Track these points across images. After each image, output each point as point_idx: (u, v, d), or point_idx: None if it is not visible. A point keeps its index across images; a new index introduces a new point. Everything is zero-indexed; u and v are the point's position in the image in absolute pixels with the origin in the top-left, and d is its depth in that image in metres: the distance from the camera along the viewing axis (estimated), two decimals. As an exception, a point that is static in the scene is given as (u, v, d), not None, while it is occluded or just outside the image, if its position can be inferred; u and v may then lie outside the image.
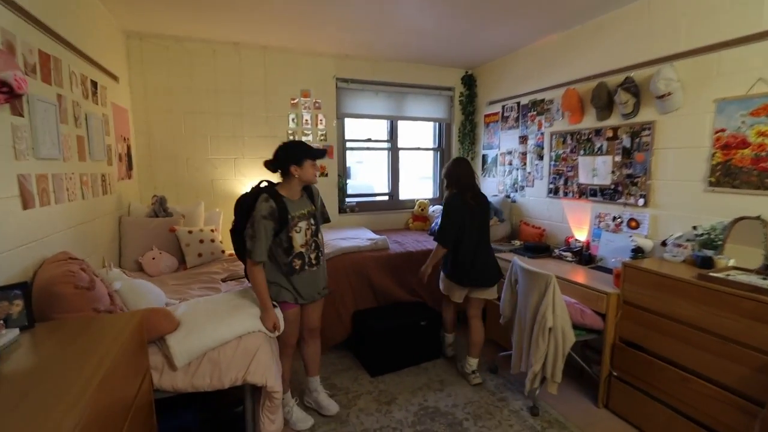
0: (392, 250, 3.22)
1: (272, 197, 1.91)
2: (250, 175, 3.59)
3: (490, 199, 3.42)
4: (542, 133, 3.40)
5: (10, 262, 1.48)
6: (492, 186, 4.08)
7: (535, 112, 3.48)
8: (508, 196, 3.81)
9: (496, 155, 3.99)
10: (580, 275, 2.59)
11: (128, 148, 3.05)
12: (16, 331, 1.27)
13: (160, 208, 2.95)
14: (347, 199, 4.11)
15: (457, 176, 2.63)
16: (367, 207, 4.19)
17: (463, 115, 4.28)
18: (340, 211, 3.99)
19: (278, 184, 2.02)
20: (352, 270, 3.00)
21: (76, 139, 2.12)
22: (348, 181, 4.13)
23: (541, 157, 3.41)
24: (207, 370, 1.69)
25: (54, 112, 1.85)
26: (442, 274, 2.75)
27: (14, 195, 1.53)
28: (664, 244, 2.32)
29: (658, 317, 2.05)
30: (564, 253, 2.96)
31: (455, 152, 4.39)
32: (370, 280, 3.04)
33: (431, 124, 4.49)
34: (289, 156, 1.97)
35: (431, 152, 4.58)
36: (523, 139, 3.61)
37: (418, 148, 4.45)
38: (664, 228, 2.46)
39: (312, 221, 2.06)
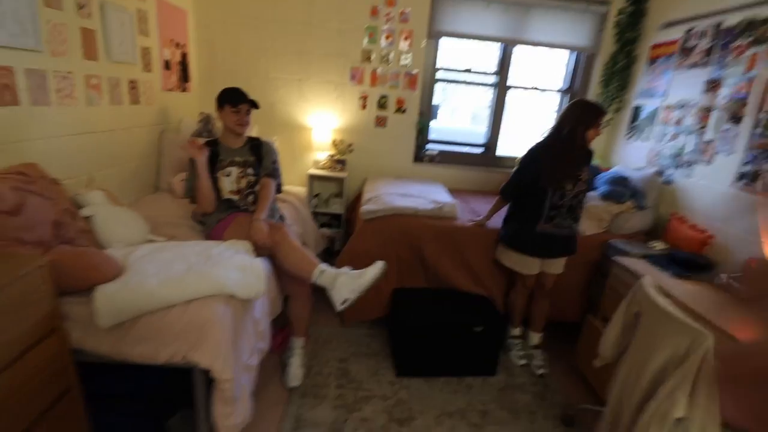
0: (461, 220, 2.42)
1: (207, 142, 2.00)
2: (315, 101, 3.05)
3: (629, 173, 2.34)
4: (751, 78, 2.01)
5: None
6: (637, 154, 2.80)
7: (746, 41, 2.07)
8: (660, 173, 2.54)
9: (656, 109, 2.65)
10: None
11: (183, 56, 2.74)
12: None
13: (204, 127, 2.64)
14: (428, 146, 3.31)
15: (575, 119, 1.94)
16: (452, 159, 3.33)
17: (618, 44, 2.93)
18: (415, 159, 3.24)
19: None
20: (401, 237, 2.33)
21: (79, 31, 1.78)
22: (432, 122, 3.29)
23: (738, 119, 2.06)
24: (141, 336, 1.29)
25: (26, -14, 1.48)
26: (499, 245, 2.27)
27: (-64, 85, 1.23)
28: None
29: None
30: (736, 284, 1.78)
31: (591, 96, 3.12)
32: (422, 254, 2.34)
33: (563, 54, 3.23)
34: (217, 100, 1.96)
35: (555, 95, 3.36)
36: (712, 86, 2.24)
37: (536, 89, 3.28)
38: None
39: (250, 170, 2.04)
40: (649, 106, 2.74)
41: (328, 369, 2.11)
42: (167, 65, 2.54)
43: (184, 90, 2.79)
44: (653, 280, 1.66)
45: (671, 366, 1.32)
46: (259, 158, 2.06)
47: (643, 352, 1.45)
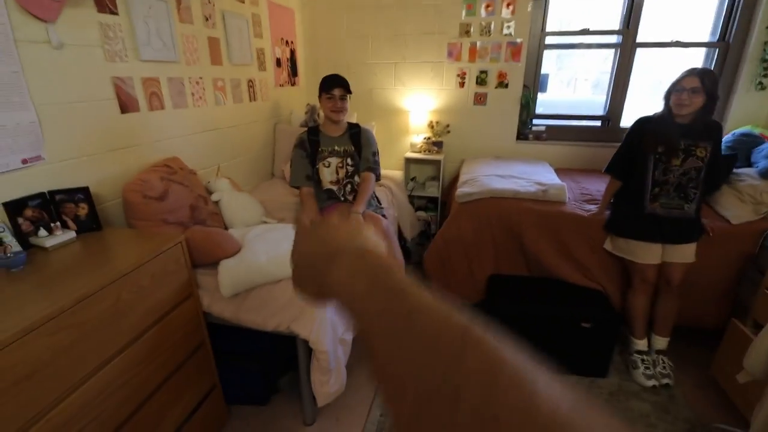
0: (570, 206, 2.18)
1: (309, 130, 2.06)
2: (411, 85, 3.03)
3: None
4: None
5: (102, 164, 1.55)
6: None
7: None
8: None
9: None
10: None
11: (292, 52, 2.97)
12: (72, 233, 1.32)
13: (311, 117, 2.85)
14: (534, 121, 3.03)
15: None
16: (563, 134, 3.00)
17: (797, -26, 2.25)
18: (518, 137, 3.01)
19: None
20: (498, 221, 2.21)
21: (207, 41, 2.06)
22: (540, 95, 2.99)
23: None
24: (254, 306, 1.51)
25: (164, 9, 1.76)
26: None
27: (108, 98, 1.56)
28: None
29: None
30: None
31: (754, 48, 2.47)
32: (522, 240, 2.19)
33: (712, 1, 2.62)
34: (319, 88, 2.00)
35: (701, 50, 2.75)
36: None
37: (677, 44, 2.72)
38: None
39: (349, 161, 2.05)
40: None
41: (420, 350, 2.15)
42: (278, 63, 2.79)
43: (293, 84, 3.04)
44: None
45: None
46: (359, 147, 2.07)
47: (809, 372, 1.15)
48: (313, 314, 1.45)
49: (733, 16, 2.55)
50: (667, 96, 1.75)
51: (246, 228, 1.79)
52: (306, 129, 2.08)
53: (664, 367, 1.95)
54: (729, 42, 2.59)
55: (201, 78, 2.04)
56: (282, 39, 2.81)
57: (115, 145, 1.59)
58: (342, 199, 2.05)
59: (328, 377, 1.53)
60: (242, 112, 2.42)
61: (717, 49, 2.65)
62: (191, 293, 1.42)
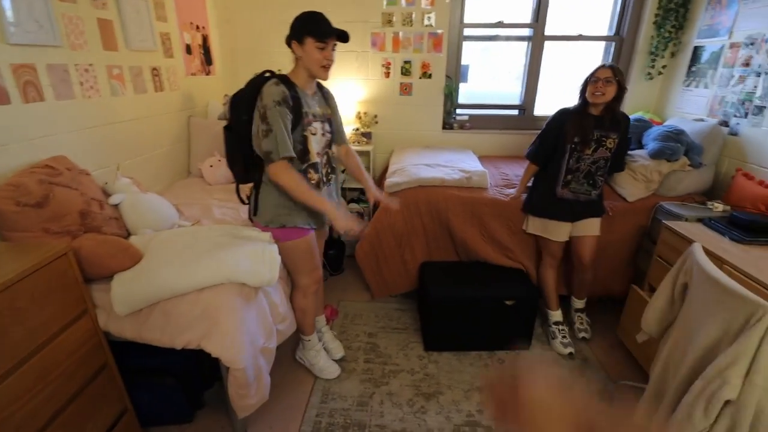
0: (491, 192, 2.28)
1: (283, 80, 1.46)
2: (335, 73, 2.91)
3: (687, 126, 2.12)
4: None
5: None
6: (696, 103, 2.46)
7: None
8: (724, 124, 2.22)
9: (721, 48, 2.28)
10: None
11: (204, 39, 2.75)
12: None
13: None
14: (458, 111, 3.12)
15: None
16: (485, 123, 3.12)
17: (673, -24, 2.53)
18: (444, 126, 3.08)
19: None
20: (427, 209, 2.24)
21: (96, 22, 1.82)
22: (462, 85, 3.08)
23: (825, 49, 1.72)
24: (158, 323, 1.35)
25: (38, -16, 1.51)
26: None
27: (-36, 87, 1.30)
28: None
29: None
30: (817, 247, 1.53)
31: (642, 42, 2.75)
32: (449, 227, 2.24)
33: (610, -4, 2.87)
34: (293, 29, 1.48)
35: (600, 44, 3.01)
36: (792, 13, 1.87)
37: (580, 37, 2.95)
38: None
39: (327, 127, 1.63)
40: (711, 46, 2.36)
41: (357, 343, 2.13)
42: (188, 49, 2.56)
43: (207, 73, 2.81)
44: (708, 246, 1.47)
45: (724, 343, 1.17)
46: (330, 107, 1.70)
47: (690, 326, 1.30)
48: (226, 329, 1.33)
49: (625, 12, 2.81)
50: (583, 89, 1.84)
51: (152, 233, 1.61)
52: (275, 78, 1.47)
53: (582, 323, 2.19)
54: (623, 36, 2.86)
55: (91, 65, 1.79)
56: (191, 23, 2.58)
57: (-18, 143, 1.34)
58: (323, 175, 1.63)
59: (247, 390, 1.44)
60: (146, 104, 2.19)
61: (614, 43, 2.91)
62: (85, 311, 1.25)
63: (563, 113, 1.93)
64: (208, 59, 2.81)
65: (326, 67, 1.49)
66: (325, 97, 1.68)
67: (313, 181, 1.58)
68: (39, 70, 1.55)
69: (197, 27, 2.65)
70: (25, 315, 1.05)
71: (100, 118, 1.86)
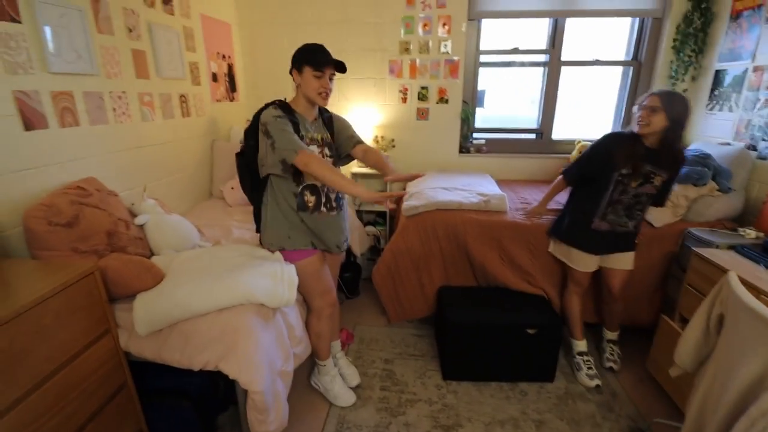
0: (511, 215, 2.25)
1: (281, 106, 1.56)
2: (354, 99, 3.03)
3: (712, 149, 2.05)
4: None
5: (5, 187, 1.36)
6: (721, 127, 2.41)
7: None
8: (752, 147, 2.16)
9: (744, 72, 2.25)
10: None
11: (230, 67, 2.87)
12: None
13: (251, 134, 2.74)
14: (474, 135, 3.14)
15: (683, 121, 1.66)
16: (502, 147, 3.12)
17: (691, 2, 2.54)
18: (461, 150, 3.09)
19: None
20: (445, 233, 2.22)
21: (130, 53, 1.92)
22: (478, 110, 3.11)
23: None
24: (177, 343, 1.35)
25: (79, 19, 1.62)
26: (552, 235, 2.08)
27: (8, 114, 1.38)
28: None
29: None
30: None
31: (662, 67, 2.74)
32: (467, 251, 2.21)
33: (625, 22, 2.88)
34: (294, 59, 1.58)
35: (618, 68, 3.01)
36: (818, 36, 1.84)
37: (596, 62, 2.96)
38: None
39: (327, 151, 1.67)
40: (733, 70, 2.33)
41: (373, 370, 2.08)
42: (215, 77, 2.67)
43: (232, 100, 2.92)
44: (742, 275, 1.41)
45: (767, 380, 1.09)
46: (333, 135, 1.74)
47: (729, 360, 1.23)
48: (245, 350, 1.32)
49: (642, 37, 2.82)
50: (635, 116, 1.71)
51: (175, 254, 1.64)
52: (275, 103, 1.56)
53: (612, 353, 2.09)
54: (641, 61, 2.85)
55: (124, 92, 1.89)
56: (218, 53, 2.71)
57: (17, 166, 1.41)
58: (324, 198, 1.63)
59: (266, 415, 1.40)
60: (174, 129, 2.27)
61: (631, 68, 2.91)
62: (107, 330, 1.26)
63: (614, 138, 1.78)
64: (232, 86, 2.92)
65: (323, 95, 1.55)
66: (326, 122, 1.72)
67: (309, 204, 1.60)
68: (76, 97, 1.63)
69: (223, 56, 2.78)
70: (50, 333, 1.07)
71: (130, 141, 1.94)
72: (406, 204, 2.34)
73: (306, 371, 1.98)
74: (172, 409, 1.49)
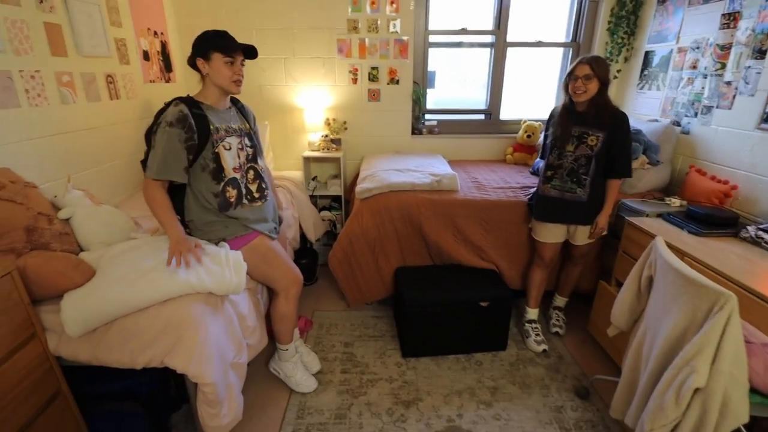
0: (462, 193, 2.30)
1: (187, 101, 1.50)
2: (302, 80, 2.92)
3: (642, 126, 2.19)
4: (778, 4, 1.79)
5: None
6: (649, 105, 2.59)
7: (771, -39, 1.82)
8: (677, 123, 2.35)
9: (669, 53, 2.43)
10: (793, 290, 1.34)
11: (163, 44, 2.65)
12: None
13: (191, 118, 2.56)
14: (426, 116, 3.15)
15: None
16: (453, 128, 3.17)
17: (623, -15, 2.68)
18: (413, 132, 3.10)
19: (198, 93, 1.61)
20: (399, 214, 2.23)
21: (43, 27, 1.71)
22: (429, 91, 3.12)
23: (762, 53, 1.85)
24: (116, 342, 1.26)
25: (-29, -17, 1.40)
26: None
27: None
28: None
29: None
30: (766, 236, 1.62)
31: (598, 49, 2.88)
32: (422, 231, 2.24)
33: (565, 5, 2.99)
34: (196, 47, 1.54)
35: (559, 50, 3.13)
36: (729, 21, 2.01)
37: (539, 44, 3.05)
38: None
39: (247, 141, 1.66)
40: (661, 51, 2.50)
41: (333, 354, 2.08)
42: (146, 56, 2.46)
43: (168, 81, 2.71)
44: (668, 239, 1.53)
45: (690, 332, 1.21)
46: (251, 125, 1.75)
47: (657, 317, 1.34)
48: (192, 342, 1.26)
49: (580, 19, 2.94)
50: (566, 86, 1.80)
51: (105, 248, 1.51)
52: (178, 100, 1.50)
53: (558, 319, 2.24)
54: (579, 42, 2.98)
55: (38, 71, 1.68)
56: (149, 29, 2.48)
57: None
58: (244, 190, 1.61)
59: (218, 409, 1.35)
60: (101, 113, 2.07)
61: (571, 49, 3.03)
62: (33, 335, 1.14)
63: (553, 110, 1.98)
64: (168, 66, 2.70)
65: (237, 82, 1.54)
66: (243, 112, 1.71)
67: (231, 198, 1.57)
68: (-24, 77, 1.43)
69: (155, 33, 2.55)
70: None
71: (49, 127, 1.74)
72: (360, 187, 2.32)
73: (264, 359, 1.93)
74: (119, 413, 1.39)
